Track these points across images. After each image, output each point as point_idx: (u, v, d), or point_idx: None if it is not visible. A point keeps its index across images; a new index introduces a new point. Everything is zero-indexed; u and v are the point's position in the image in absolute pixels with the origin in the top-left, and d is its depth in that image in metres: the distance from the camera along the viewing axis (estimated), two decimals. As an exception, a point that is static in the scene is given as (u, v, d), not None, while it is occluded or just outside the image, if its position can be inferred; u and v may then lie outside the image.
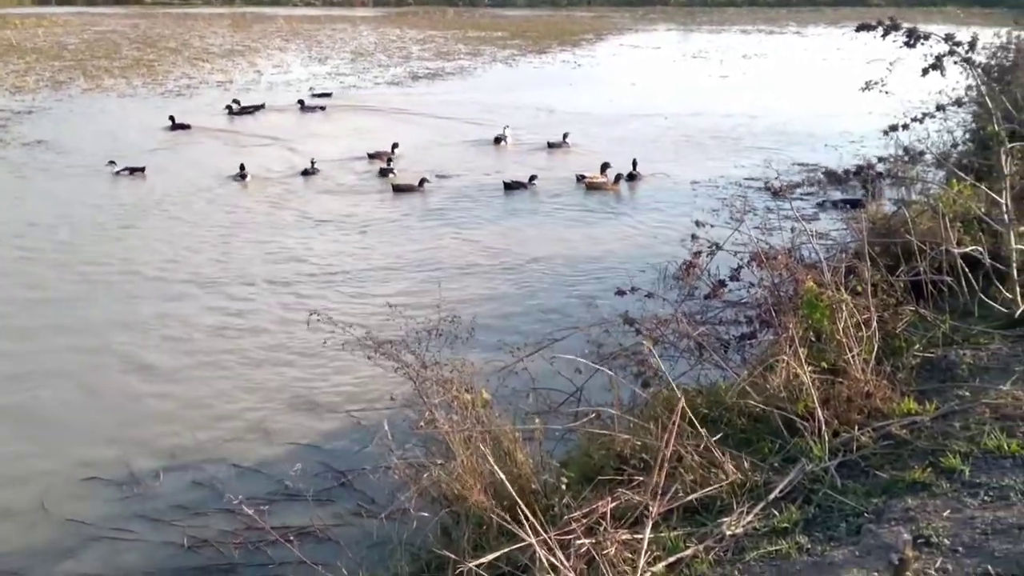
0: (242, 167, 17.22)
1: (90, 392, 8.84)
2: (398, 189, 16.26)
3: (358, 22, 53.59)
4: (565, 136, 19.91)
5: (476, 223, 14.45)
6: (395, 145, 19.10)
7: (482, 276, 11.95)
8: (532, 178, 16.58)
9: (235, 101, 24.18)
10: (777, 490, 4.70)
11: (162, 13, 59.56)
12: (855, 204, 13.98)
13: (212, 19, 54.73)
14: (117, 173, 17.28)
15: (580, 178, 16.78)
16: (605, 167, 16.71)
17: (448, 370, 6.09)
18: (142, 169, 17.41)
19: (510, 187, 16.24)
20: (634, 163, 17.25)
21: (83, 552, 6.48)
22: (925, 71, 6.90)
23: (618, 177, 16.54)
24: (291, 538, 6.02)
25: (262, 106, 24.37)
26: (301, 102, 24.77)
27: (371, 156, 18.70)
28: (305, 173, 17.41)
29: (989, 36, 21.03)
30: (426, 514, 5.42)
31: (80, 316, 10.67)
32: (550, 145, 19.79)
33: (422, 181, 16.31)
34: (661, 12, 63.31)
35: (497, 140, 20.59)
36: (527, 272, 12.08)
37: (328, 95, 26.39)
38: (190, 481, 7.30)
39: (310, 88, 27.58)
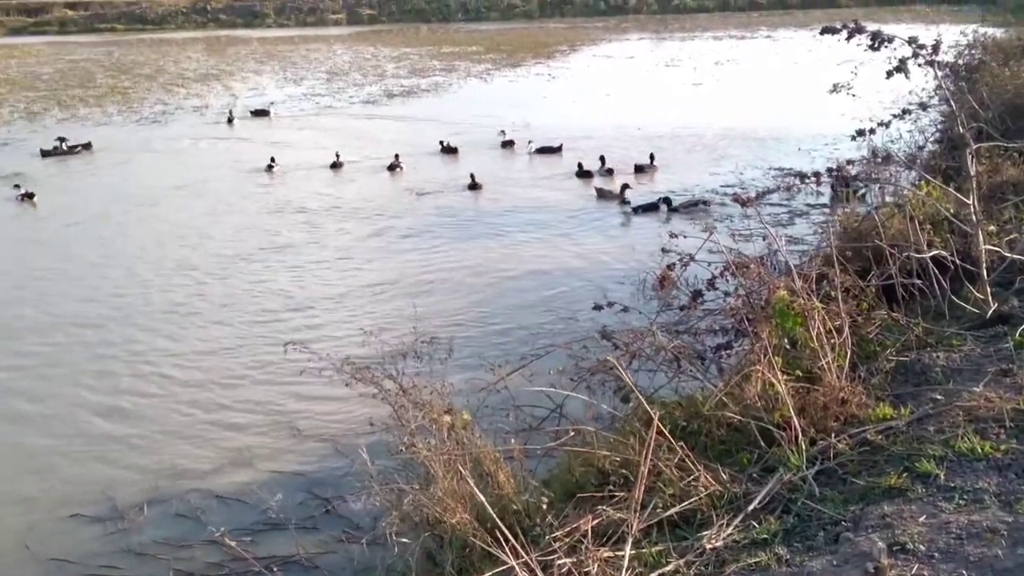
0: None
1: (69, 426, 8.78)
2: (602, 195, 16.85)
3: (332, 41, 53.66)
4: (652, 159, 19.25)
5: (452, 240, 14.45)
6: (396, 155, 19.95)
7: (459, 295, 11.95)
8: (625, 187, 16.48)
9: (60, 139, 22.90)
10: (756, 501, 4.72)
11: (136, 39, 59.44)
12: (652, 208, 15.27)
13: (186, 44, 54.67)
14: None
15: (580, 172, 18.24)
16: (624, 188, 16.43)
17: (427, 392, 6.10)
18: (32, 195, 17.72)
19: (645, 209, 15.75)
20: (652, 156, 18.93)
21: (66, 591, 6.44)
22: (889, 74, 6.97)
23: (623, 187, 16.46)
24: (275, 568, 6.00)
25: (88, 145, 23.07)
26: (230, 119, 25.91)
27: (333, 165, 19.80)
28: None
29: (956, 34, 21.36)
30: (408, 539, 5.42)
31: (53, 349, 10.61)
32: (638, 168, 18.87)
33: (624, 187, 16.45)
34: (633, 21, 63.70)
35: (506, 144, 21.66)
36: (505, 289, 12.09)
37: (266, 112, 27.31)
38: (174, 513, 7.27)
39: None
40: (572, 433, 5.71)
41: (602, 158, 19.04)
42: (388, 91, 32.39)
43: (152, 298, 12.19)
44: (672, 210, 15.37)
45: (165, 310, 11.74)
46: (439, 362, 6.36)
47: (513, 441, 5.66)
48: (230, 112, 26.92)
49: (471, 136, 22.76)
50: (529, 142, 21.37)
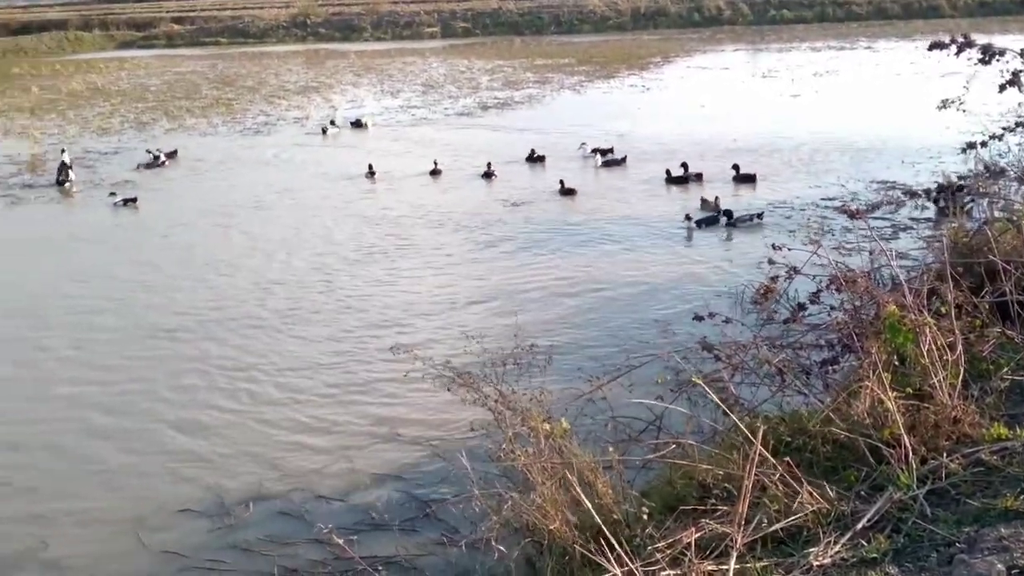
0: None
1: (179, 423, 9.10)
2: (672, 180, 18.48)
3: (427, 55, 54.38)
4: (685, 168, 19.22)
5: (547, 249, 14.51)
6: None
7: (557, 303, 11.98)
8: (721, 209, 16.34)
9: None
10: (864, 519, 4.63)
11: (239, 53, 61.25)
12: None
13: (287, 57, 56.12)
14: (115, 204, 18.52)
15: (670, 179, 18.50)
16: (717, 200, 16.36)
17: (526, 400, 6.16)
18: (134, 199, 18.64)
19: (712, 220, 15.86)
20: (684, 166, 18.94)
21: (178, 583, 6.68)
22: (1002, 88, 6.79)
23: (716, 199, 16.31)
24: (379, 568, 6.11)
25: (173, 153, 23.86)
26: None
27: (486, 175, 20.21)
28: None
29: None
30: (508, 545, 5.47)
31: (166, 348, 11.01)
32: (741, 178, 18.77)
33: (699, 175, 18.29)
34: (728, 32, 62.91)
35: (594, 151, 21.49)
36: (601, 299, 12.08)
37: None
38: (278, 511, 7.47)
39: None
40: (673, 446, 5.69)
41: (684, 165, 19.12)
42: (482, 103, 32.68)
43: (254, 302, 12.52)
44: (731, 224, 15.16)
45: (268, 313, 12.05)
46: (538, 370, 6.40)
47: (612, 451, 5.65)
48: (331, 122, 27.58)
49: (564, 145, 22.79)
50: (582, 144, 21.80)
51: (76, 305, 12.67)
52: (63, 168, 20.91)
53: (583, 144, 21.81)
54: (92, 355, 10.94)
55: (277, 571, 6.66)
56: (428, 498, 7.50)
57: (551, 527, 5.23)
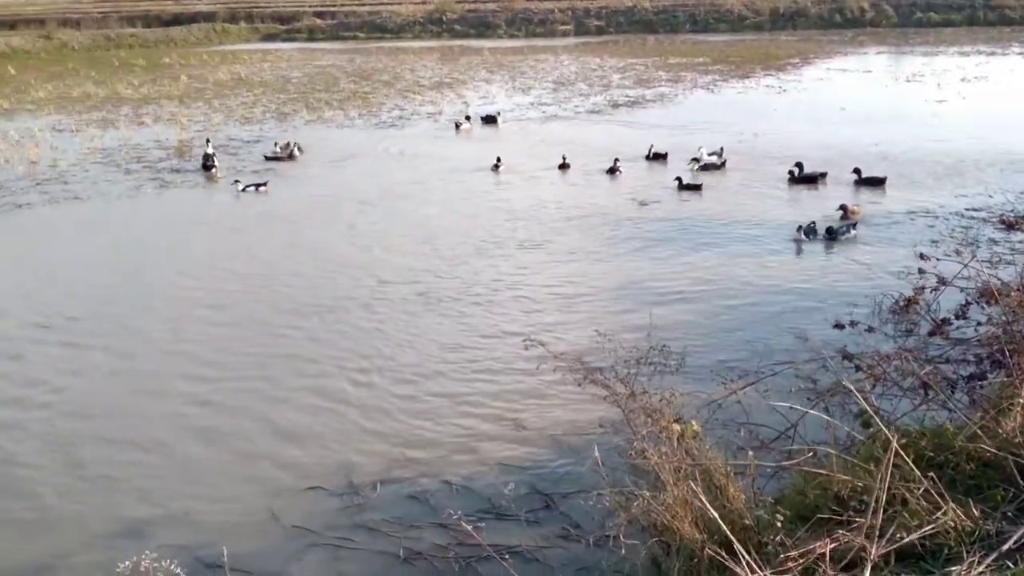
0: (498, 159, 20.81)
1: (311, 405, 9.40)
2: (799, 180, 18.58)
3: (559, 52, 54.48)
4: (801, 167, 19.11)
5: (675, 249, 14.38)
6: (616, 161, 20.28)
7: (685, 304, 11.87)
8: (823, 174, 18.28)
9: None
10: (1012, 540, 4.45)
11: (376, 47, 62.75)
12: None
13: (422, 53, 57.16)
14: (243, 189, 19.49)
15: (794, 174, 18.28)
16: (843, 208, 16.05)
17: (656, 400, 6.13)
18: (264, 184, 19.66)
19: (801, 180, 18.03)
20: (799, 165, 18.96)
21: (308, 557, 6.92)
22: None
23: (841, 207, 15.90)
24: (504, 556, 6.19)
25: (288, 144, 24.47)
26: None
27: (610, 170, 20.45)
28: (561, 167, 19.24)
29: None
30: (634, 543, 5.46)
31: (296, 332, 11.38)
32: (865, 181, 18.49)
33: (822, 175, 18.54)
34: (871, 34, 60.76)
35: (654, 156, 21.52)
36: (731, 303, 11.89)
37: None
38: (404, 495, 7.65)
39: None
40: (810, 454, 5.57)
41: (799, 164, 19.02)
42: (613, 101, 32.56)
43: (382, 291, 12.80)
44: (832, 238, 14.53)
45: (396, 301, 12.32)
46: (669, 371, 6.34)
47: (751, 454, 5.56)
48: (465, 117, 28.00)
49: (695, 143, 22.52)
50: (696, 159, 20.93)
51: (216, 286, 13.23)
52: (208, 156, 21.90)
53: (696, 159, 21.05)
54: (228, 337, 11.40)
55: (402, 553, 6.82)
56: (550, 491, 7.54)
57: (680, 528, 5.20)
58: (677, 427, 5.87)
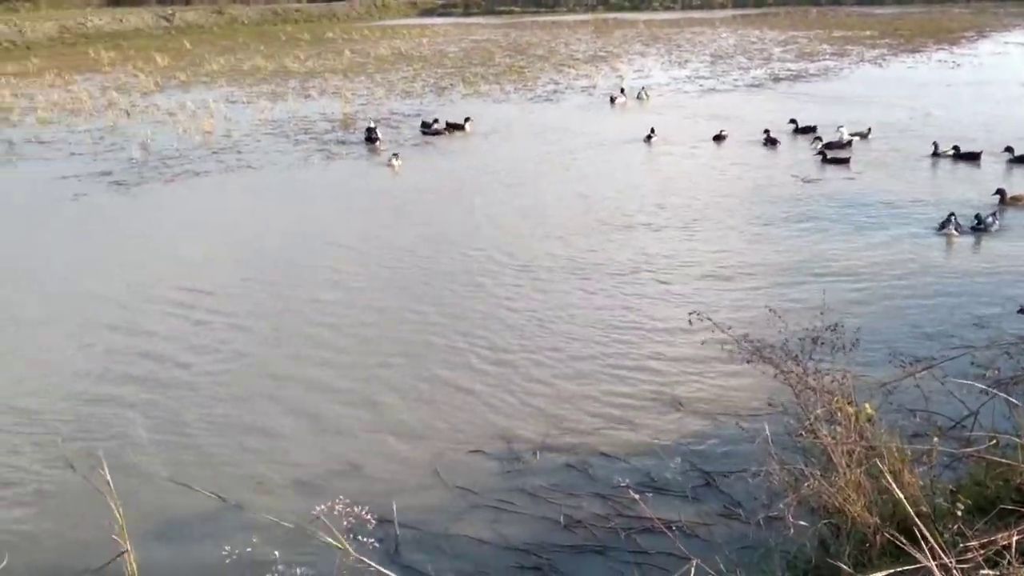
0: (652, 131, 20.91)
1: (470, 370, 9.59)
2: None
3: (717, 24, 53.32)
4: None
5: (858, 230, 13.89)
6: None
7: (861, 285, 11.47)
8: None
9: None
10: None
11: (531, 21, 63.05)
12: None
13: (576, 26, 57.04)
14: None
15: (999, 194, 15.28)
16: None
17: (828, 380, 5.97)
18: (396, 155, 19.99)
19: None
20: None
21: (470, 517, 7.09)
22: None
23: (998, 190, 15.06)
24: (672, 528, 6.19)
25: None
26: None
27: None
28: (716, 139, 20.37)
29: None
30: (804, 523, 5.36)
31: (461, 298, 11.62)
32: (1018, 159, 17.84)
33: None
34: (1057, 4, 56.81)
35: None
36: (903, 283, 11.43)
37: None
38: (563, 463, 7.74)
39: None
40: (992, 442, 5.33)
41: (956, 147, 18.42)
42: (774, 74, 31.68)
43: (542, 261, 12.90)
44: (978, 229, 13.44)
45: (558, 271, 12.40)
46: (841, 352, 6.16)
47: (935, 440, 5.36)
48: (620, 90, 27.85)
49: (862, 119, 21.66)
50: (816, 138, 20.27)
51: (378, 254, 13.65)
52: (371, 129, 22.60)
53: (839, 128, 20.45)
54: (391, 302, 11.75)
55: (563, 519, 6.91)
56: (710, 469, 7.48)
57: (852, 511, 5.07)
58: (850, 409, 5.70)
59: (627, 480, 7.28)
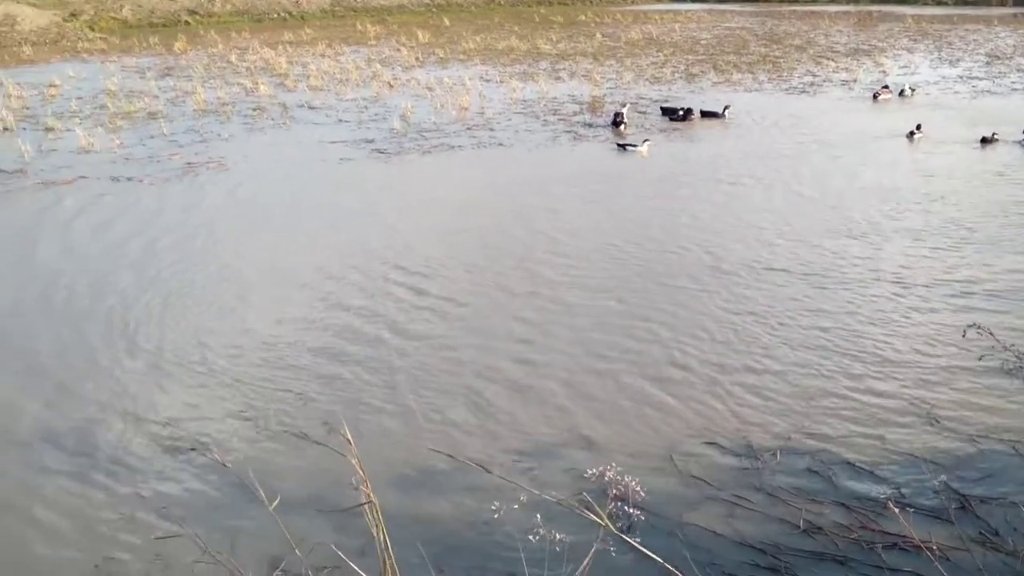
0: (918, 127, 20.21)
1: (707, 366, 9.51)
2: None
3: (995, 22, 49.38)
4: None
5: None
6: None
7: None
8: None
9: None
10: None
11: (788, 11, 60.91)
12: None
13: (837, 17, 54.56)
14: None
15: None
16: None
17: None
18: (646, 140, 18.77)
19: None
20: None
21: (705, 508, 7.07)
22: None
23: None
24: (932, 548, 5.92)
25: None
26: None
27: None
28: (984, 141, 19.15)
29: None
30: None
31: (698, 287, 11.51)
32: None
33: None
34: None
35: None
36: None
37: None
38: (805, 468, 7.54)
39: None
40: None
41: None
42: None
43: (780, 259, 12.56)
44: None
45: (795, 271, 12.03)
46: None
47: None
48: (882, 87, 26.46)
49: None
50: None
51: (614, 238, 13.75)
52: (618, 113, 22.69)
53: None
54: (628, 286, 11.82)
55: (802, 524, 6.76)
56: (966, 492, 7.07)
57: None
58: None
59: (872, 493, 7.07)
